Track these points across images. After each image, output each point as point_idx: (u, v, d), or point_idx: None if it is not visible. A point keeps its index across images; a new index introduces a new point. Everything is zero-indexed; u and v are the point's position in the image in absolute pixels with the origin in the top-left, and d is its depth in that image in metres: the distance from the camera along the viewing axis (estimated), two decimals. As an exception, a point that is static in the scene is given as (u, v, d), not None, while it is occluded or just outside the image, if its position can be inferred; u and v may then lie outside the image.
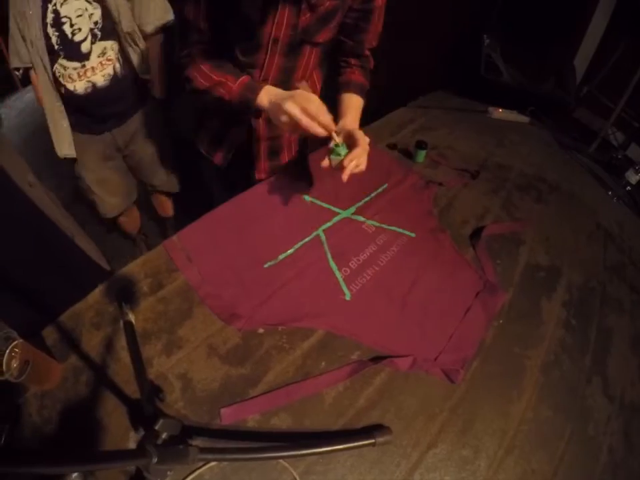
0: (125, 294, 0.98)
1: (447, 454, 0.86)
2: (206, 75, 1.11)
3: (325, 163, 1.04)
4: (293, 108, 0.94)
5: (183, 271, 1.07)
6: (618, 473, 0.92)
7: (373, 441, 0.78)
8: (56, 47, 1.48)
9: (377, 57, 1.33)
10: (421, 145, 1.52)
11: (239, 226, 1.20)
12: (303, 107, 0.94)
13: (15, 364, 0.70)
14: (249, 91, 1.06)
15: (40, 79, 1.55)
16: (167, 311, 0.99)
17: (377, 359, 0.96)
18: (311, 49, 1.19)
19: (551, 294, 1.22)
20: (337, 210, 1.29)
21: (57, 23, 1.45)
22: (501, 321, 1.10)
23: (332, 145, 1.01)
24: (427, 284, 1.13)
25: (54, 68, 1.52)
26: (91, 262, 1.68)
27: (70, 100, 1.61)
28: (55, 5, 1.42)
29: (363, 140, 1.04)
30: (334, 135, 1.00)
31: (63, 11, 1.44)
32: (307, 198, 1.30)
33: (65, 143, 1.70)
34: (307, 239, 1.19)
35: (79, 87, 1.57)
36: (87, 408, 0.82)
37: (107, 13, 1.50)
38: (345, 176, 1.00)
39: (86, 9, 1.47)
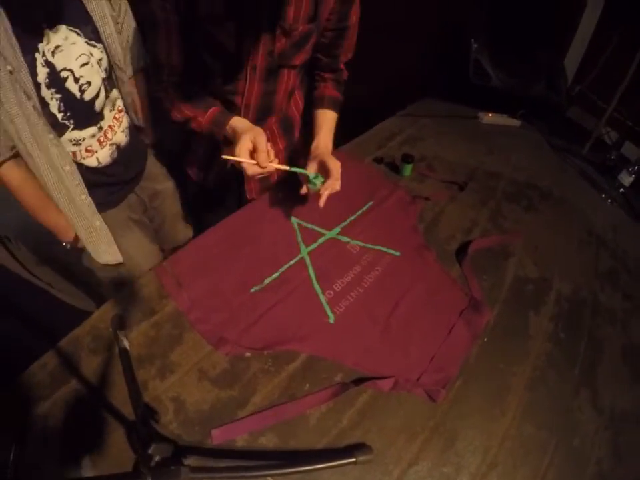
0: (119, 320, 1.03)
1: (428, 471, 0.90)
2: (179, 109, 1.20)
3: (304, 190, 1.23)
4: (237, 149, 1.06)
5: (173, 296, 1.12)
6: None
7: (354, 459, 0.83)
8: (59, 115, 1.10)
9: (364, 66, 1.39)
10: (407, 159, 1.56)
11: (226, 250, 1.25)
12: (255, 144, 1.07)
13: None
14: (216, 126, 1.16)
15: (47, 176, 1.14)
16: (159, 336, 1.05)
17: (359, 381, 1.01)
18: (289, 71, 1.24)
19: (539, 308, 1.26)
20: (322, 231, 1.33)
21: (56, 80, 1.07)
22: (485, 339, 1.14)
23: (310, 175, 1.18)
24: (410, 304, 1.17)
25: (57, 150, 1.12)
26: (73, 308, 1.67)
27: (90, 177, 1.26)
28: (44, 54, 1.01)
29: (335, 169, 1.16)
30: (309, 169, 1.19)
31: (59, 63, 1.05)
32: (293, 220, 1.35)
33: (103, 246, 1.35)
34: (291, 262, 1.24)
35: (102, 157, 1.27)
36: (87, 429, 0.88)
37: (108, 57, 1.21)
38: (321, 203, 1.18)
39: (91, 54, 1.14)
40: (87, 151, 1.22)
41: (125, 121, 1.34)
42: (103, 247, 1.34)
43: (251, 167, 1.07)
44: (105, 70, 1.20)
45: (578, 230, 1.59)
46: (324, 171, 1.19)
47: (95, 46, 1.15)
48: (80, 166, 1.22)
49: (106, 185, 1.35)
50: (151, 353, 1.02)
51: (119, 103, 1.30)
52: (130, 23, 1.26)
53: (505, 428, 1.00)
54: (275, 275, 1.20)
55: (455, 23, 2.30)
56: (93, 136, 1.21)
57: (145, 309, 1.11)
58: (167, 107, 1.21)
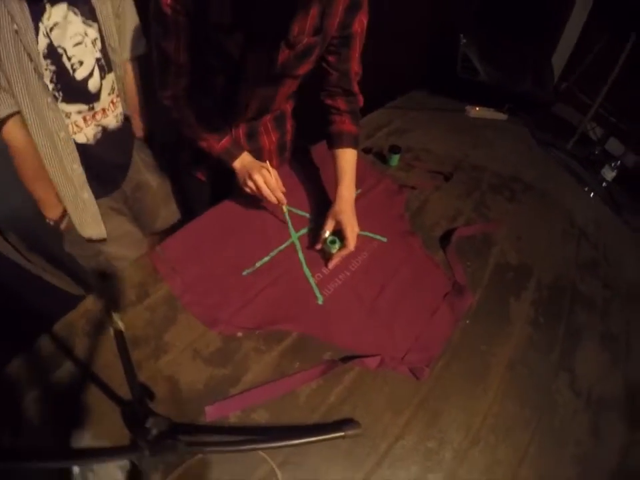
0: (113, 303, 1.07)
1: (414, 445, 0.94)
2: (191, 127, 1.24)
3: (318, 247, 1.27)
4: (258, 178, 1.20)
5: (167, 280, 1.15)
6: (585, 464, 0.99)
7: (342, 433, 0.86)
8: (50, 86, 1.11)
9: None
10: (394, 150, 1.60)
11: (219, 235, 1.28)
12: (266, 179, 1.21)
13: None
14: (227, 155, 1.26)
15: (39, 140, 1.15)
16: (153, 318, 1.07)
17: (347, 359, 1.04)
18: (291, 80, 1.27)
19: (519, 293, 1.30)
20: (312, 217, 1.38)
21: (53, 53, 1.09)
22: (467, 321, 1.19)
23: (326, 235, 1.25)
24: (396, 287, 1.22)
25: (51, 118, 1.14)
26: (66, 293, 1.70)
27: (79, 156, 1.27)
28: (45, 28, 1.04)
29: (352, 239, 1.22)
30: (327, 227, 1.26)
31: (55, 40, 1.08)
32: (284, 206, 1.39)
33: (89, 219, 1.35)
34: (282, 246, 1.28)
35: (89, 134, 1.28)
36: (84, 410, 0.90)
37: (102, 38, 1.21)
38: (331, 266, 1.25)
39: (86, 34, 1.14)
40: (75, 125, 1.23)
41: (120, 108, 1.36)
42: (88, 219, 1.35)
43: (268, 193, 1.22)
44: (100, 50, 1.20)
45: (560, 221, 1.64)
46: (342, 235, 1.24)
47: (90, 25, 1.15)
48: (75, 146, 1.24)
49: (94, 174, 1.34)
50: (146, 334, 1.04)
51: (116, 88, 1.32)
52: (129, 9, 1.28)
53: (487, 406, 1.04)
54: (265, 259, 1.24)
55: (444, 17, 2.34)
56: (79, 112, 1.22)
57: (139, 292, 1.13)
58: (176, 118, 1.24)
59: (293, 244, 1.30)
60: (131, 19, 1.30)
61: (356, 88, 1.32)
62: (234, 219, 1.34)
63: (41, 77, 1.07)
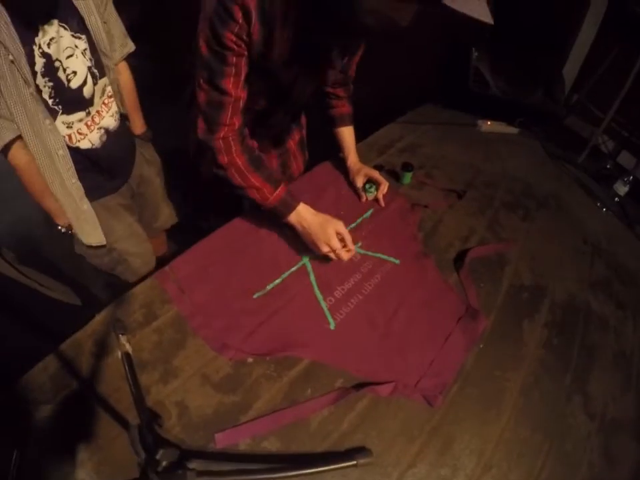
0: (121, 324, 1.03)
1: (426, 473, 0.94)
2: (242, 174, 1.19)
3: (363, 198, 1.53)
4: (335, 244, 1.22)
5: (175, 301, 1.15)
6: None
7: (354, 462, 0.87)
8: (50, 101, 1.19)
9: (365, 73, 1.45)
10: (407, 167, 1.60)
11: (229, 256, 1.27)
12: (345, 241, 1.24)
13: None
14: (283, 206, 1.23)
15: (40, 160, 1.22)
16: (161, 341, 1.07)
17: (359, 386, 1.04)
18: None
19: (533, 315, 1.30)
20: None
21: (50, 69, 1.16)
22: (481, 346, 1.18)
23: (366, 185, 1.50)
24: (409, 311, 1.21)
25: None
26: (61, 304, 1.70)
27: (85, 160, 1.36)
28: (40, 46, 1.11)
29: (378, 174, 1.51)
30: (358, 183, 1.52)
31: (54, 53, 1.15)
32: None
33: (89, 228, 1.43)
34: (293, 268, 1.27)
35: (94, 139, 1.35)
36: (91, 434, 0.89)
37: (93, 45, 1.28)
38: (382, 203, 1.52)
39: (76, 46, 1.22)
40: (79, 133, 1.30)
41: (114, 106, 1.44)
42: (88, 228, 1.43)
43: (345, 254, 1.24)
44: (91, 59, 1.28)
45: (573, 238, 1.63)
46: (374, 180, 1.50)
47: (79, 37, 1.23)
48: (77, 150, 1.32)
49: (98, 172, 1.44)
50: (154, 357, 1.04)
51: (109, 89, 1.40)
52: (113, 13, 1.39)
53: (499, 431, 1.04)
54: (277, 281, 1.23)
55: (455, 31, 2.33)
56: (81, 120, 1.29)
57: (147, 313, 1.13)
58: (225, 163, 1.18)
59: (304, 266, 1.30)
60: (116, 22, 1.42)
61: (351, 79, 1.49)
62: (244, 239, 1.34)
63: (39, 101, 1.15)
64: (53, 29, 1.14)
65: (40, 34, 1.11)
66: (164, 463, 0.71)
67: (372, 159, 1.75)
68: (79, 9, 1.21)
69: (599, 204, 1.89)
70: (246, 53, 1.03)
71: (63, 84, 1.20)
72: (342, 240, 1.23)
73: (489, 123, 2.13)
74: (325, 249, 1.22)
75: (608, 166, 2.14)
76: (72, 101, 1.25)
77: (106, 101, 1.39)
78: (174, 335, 1.09)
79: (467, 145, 1.98)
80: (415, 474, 0.94)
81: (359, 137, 1.83)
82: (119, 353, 0.96)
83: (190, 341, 1.08)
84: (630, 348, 1.32)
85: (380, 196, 1.50)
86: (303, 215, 1.23)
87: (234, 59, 1.03)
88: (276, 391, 1.02)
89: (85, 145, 1.33)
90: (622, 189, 1.94)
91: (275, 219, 1.28)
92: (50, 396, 0.94)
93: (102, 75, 1.34)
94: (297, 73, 1.15)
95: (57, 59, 1.16)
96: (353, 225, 1.44)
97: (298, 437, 0.95)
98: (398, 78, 2.26)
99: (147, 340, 1.07)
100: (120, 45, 1.45)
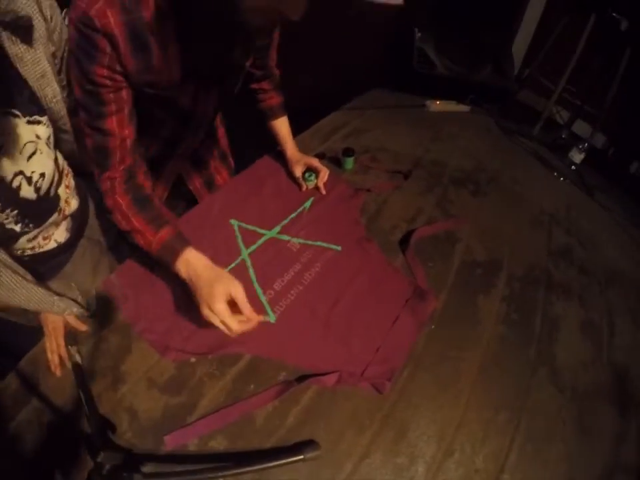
0: (71, 336, 1.03)
1: (381, 463, 0.90)
2: (126, 216, 1.02)
3: (304, 187, 1.49)
4: (208, 315, 0.95)
5: (120, 308, 1.11)
6: (573, 461, 0.96)
7: (301, 457, 0.84)
8: (17, 228, 0.89)
9: (309, 61, 1.41)
10: (347, 153, 1.55)
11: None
12: (224, 303, 0.94)
13: None
14: (167, 251, 1.02)
15: None
16: (109, 348, 1.04)
17: (303, 378, 1.00)
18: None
19: (489, 291, 1.25)
20: (262, 231, 1.31)
21: (10, 197, 0.84)
22: (433, 327, 1.13)
23: (305, 174, 1.47)
24: (352, 297, 1.16)
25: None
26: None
27: (48, 263, 1.09)
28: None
29: (317, 162, 1.49)
30: (296, 172, 1.48)
31: (8, 170, 0.81)
32: (233, 222, 1.33)
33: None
34: (232, 265, 1.22)
35: (59, 235, 1.07)
36: (48, 446, 0.88)
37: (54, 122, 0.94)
38: (324, 191, 1.48)
39: (37, 137, 0.87)
40: (43, 239, 1.02)
41: (72, 182, 1.10)
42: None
43: (237, 324, 0.96)
44: (52, 145, 0.95)
45: (528, 211, 1.60)
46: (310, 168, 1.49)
47: (38, 122, 0.87)
48: (36, 257, 1.03)
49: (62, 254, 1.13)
50: (104, 365, 1.02)
51: (65, 166, 1.05)
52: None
53: (459, 414, 1.00)
54: (215, 279, 1.17)
55: (398, 13, 2.31)
56: (53, 223, 1.02)
57: (95, 322, 1.09)
58: (110, 206, 1.03)
59: (243, 261, 1.24)
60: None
61: (275, 69, 1.42)
62: None
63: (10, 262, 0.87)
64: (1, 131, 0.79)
65: None
66: (107, 466, 0.73)
67: (315, 148, 1.70)
68: (28, 81, 0.84)
69: (555, 174, 1.88)
70: (124, 84, 0.92)
71: (30, 200, 0.89)
72: (235, 305, 0.97)
73: (437, 102, 2.10)
74: (205, 313, 0.96)
75: (563, 136, 2.13)
76: (43, 211, 0.97)
77: (67, 183, 1.05)
78: (121, 341, 1.06)
79: (415, 126, 1.95)
80: (370, 464, 0.90)
81: (306, 127, 1.80)
82: (69, 364, 0.98)
83: (135, 346, 1.06)
84: (598, 314, 1.29)
85: (320, 184, 1.48)
86: (193, 266, 1.00)
87: (111, 95, 0.90)
88: (219, 389, 0.99)
89: (49, 246, 1.05)
90: (578, 156, 1.95)
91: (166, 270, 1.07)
92: (12, 413, 0.93)
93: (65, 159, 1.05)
94: (194, 92, 1.07)
95: (14, 176, 0.82)
96: (292, 216, 1.39)
97: (244, 435, 0.93)
98: (344, 66, 2.22)
99: (96, 348, 1.05)
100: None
